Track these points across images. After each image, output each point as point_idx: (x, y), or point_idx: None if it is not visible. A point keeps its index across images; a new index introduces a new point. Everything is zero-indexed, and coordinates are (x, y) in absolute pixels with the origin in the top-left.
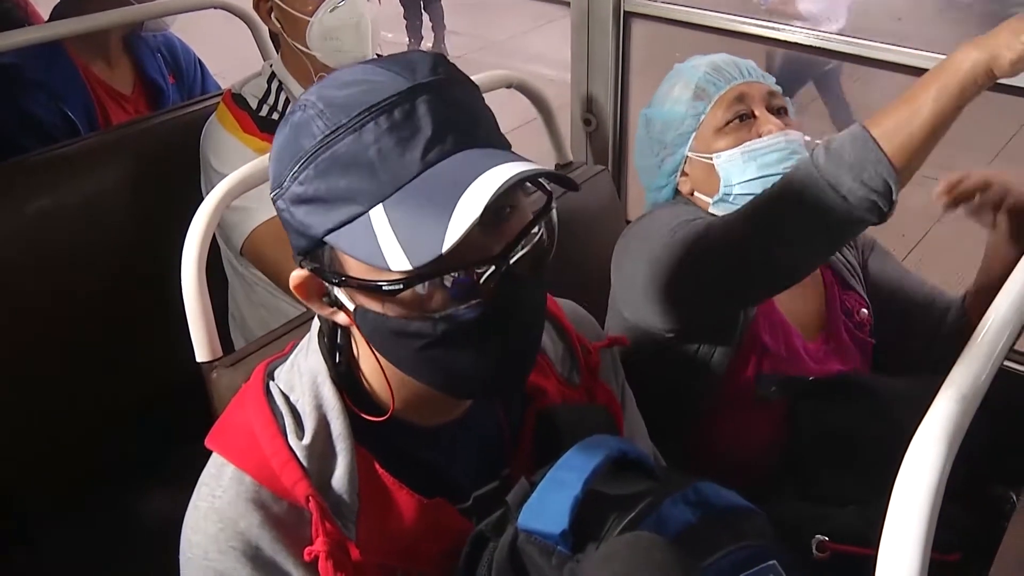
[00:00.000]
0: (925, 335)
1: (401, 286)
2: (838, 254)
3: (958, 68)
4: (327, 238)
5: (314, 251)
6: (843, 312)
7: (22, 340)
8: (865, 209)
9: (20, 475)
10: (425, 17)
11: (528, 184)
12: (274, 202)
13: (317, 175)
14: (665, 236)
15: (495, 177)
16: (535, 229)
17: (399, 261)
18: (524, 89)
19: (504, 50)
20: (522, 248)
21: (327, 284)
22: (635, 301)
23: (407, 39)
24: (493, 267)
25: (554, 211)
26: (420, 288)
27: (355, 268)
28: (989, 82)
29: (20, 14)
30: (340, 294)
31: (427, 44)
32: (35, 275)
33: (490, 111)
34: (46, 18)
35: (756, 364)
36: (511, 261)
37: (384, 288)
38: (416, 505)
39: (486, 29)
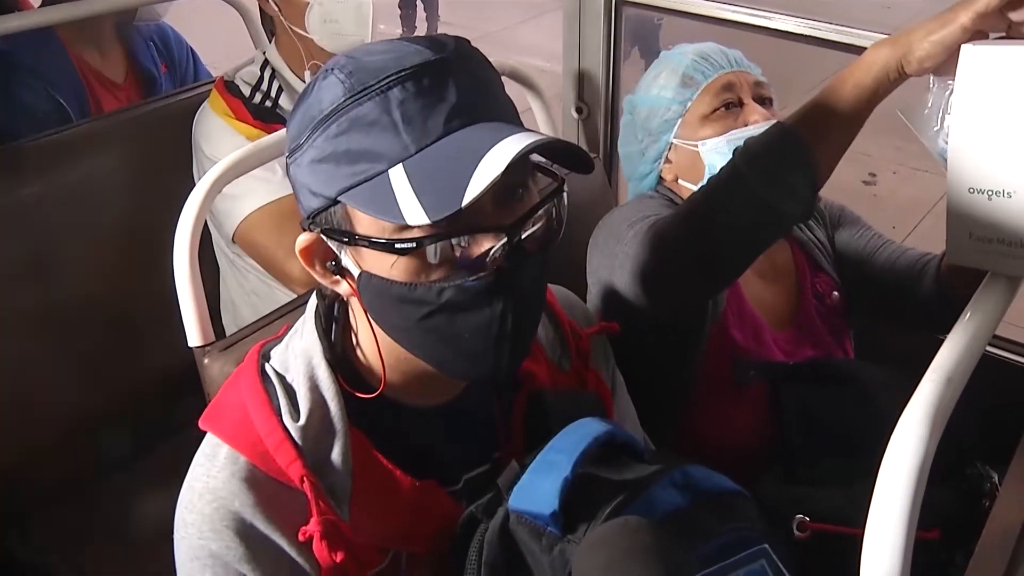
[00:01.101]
0: (903, 299)
1: (415, 244)
2: (807, 233)
3: (871, 65)
4: (342, 196)
5: (325, 211)
6: (814, 296)
7: (13, 329)
8: (790, 207)
9: (15, 464)
10: (419, 7)
11: (538, 172)
12: (288, 164)
13: (338, 133)
14: (622, 233)
15: (515, 143)
16: (545, 208)
17: (417, 216)
18: (517, 77)
19: (497, 41)
20: (532, 225)
21: (335, 248)
22: (595, 297)
23: (399, 29)
24: (505, 238)
25: (565, 195)
26: (430, 254)
27: (368, 228)
28: (901, 79)
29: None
30: (347, 259)
31: (419, 35)
32: (26, 263)
33: (510, 98)
34: (37, 4)
35: (728, 357)
36: (522, 235)
37: (397, 246)
38: (408, 487)
39: (479, 20)
